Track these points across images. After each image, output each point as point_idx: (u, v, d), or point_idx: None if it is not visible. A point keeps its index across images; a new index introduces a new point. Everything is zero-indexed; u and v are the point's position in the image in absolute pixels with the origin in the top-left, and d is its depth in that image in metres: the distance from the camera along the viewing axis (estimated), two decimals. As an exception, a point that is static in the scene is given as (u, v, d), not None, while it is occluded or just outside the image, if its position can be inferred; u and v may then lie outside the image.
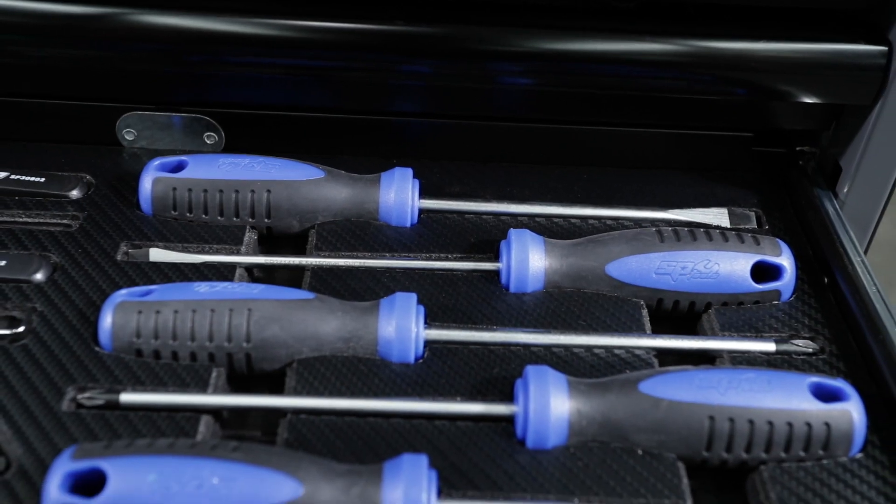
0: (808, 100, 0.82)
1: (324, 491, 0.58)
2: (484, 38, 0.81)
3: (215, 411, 0.66)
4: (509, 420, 0.65)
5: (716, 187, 0.88)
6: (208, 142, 0.87)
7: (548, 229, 0.81)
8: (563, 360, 0.70)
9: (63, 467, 0.57)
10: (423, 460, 0.60)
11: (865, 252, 0.89)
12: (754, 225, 0.84)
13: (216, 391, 0.67)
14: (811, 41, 0.80)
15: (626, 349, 0.71)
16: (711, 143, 0.90)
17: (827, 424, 0.63)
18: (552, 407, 0.64)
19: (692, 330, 0.76)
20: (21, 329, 0.69)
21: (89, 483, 0.57)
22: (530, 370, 0.66)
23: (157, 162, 0.80)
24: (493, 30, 0.81)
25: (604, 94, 0.85)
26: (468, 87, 0.85)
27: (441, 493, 0.60)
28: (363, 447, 0.63)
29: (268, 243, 0.82)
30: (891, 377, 0.68)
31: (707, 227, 0.81)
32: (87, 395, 0.65)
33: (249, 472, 0.57)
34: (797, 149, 0.91)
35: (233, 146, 0.87)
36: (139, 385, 0.66)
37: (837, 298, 0.77)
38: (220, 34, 0.80)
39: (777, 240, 0.77)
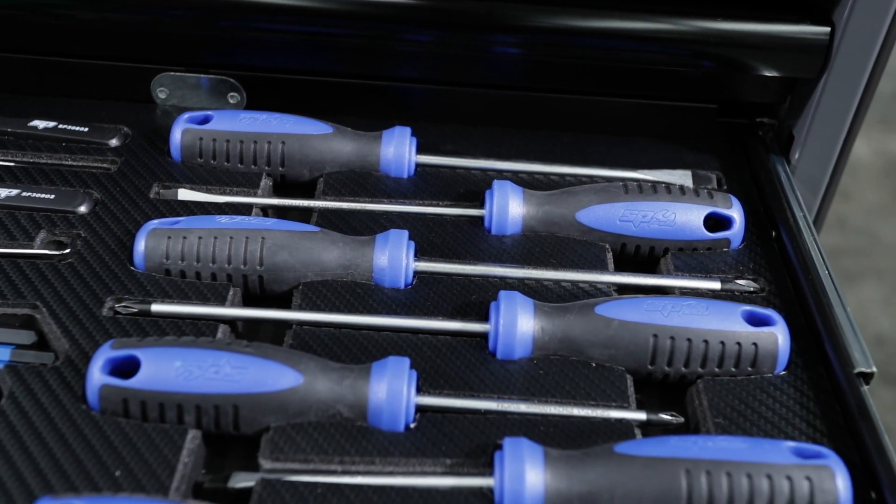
0: (761, 73, 0.92)
1: (320, 381, 0.68)
2: (476, 12, 0.91)
3: (231, 322, 0.76)
4: (483, 336, 0.76)
5: (682, 152, 0.98)
6: (231, 101, 0.98)
7: (529, 184, 0.91)
8: (534, 290, 0.80)
9: (104, 354, 0.68)
10: (405, 361, 0.70)
11: (816, 217, 0.99)
12: (714, 185, 0.94)
13: (233, 307, 0.78)
14: (764, 21, 0.91)
15: (590, 283, 0.81)
16: (680, 113, 1.00)
17: (755, 345, 0.73)
18: (519, 324, 0.74)
19: (651, 273, 0.86)
20: (67, 251, 0.80)
21: (126, 369, 0.68)
22: (503, 294, 0.76)
23: (186, 115, 0.91)
24: (484, 5, 0.91)
25: (584, 65, 0.95)
26: (463, 57, 0.95)
27: (420, 391, 0.71)
28: (356, 353, 0.74)
29: (281, 190, 0.92)
30: (815, 309, 0.78)
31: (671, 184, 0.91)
32: (123, 304, 0.76)
33: (258, 363, 0.68)
34: (757, 120, 1.01)
35: (253, 105, 0.97)
36: (167, 298, 0.77)
37: (780, 247, 0.87)
38: (245, 3, 0.91)
39: (729, 195, 0.87)
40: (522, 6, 0.91)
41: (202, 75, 0.97)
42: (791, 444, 0.65)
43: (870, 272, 2.20)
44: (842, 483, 0.63)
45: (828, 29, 0.89)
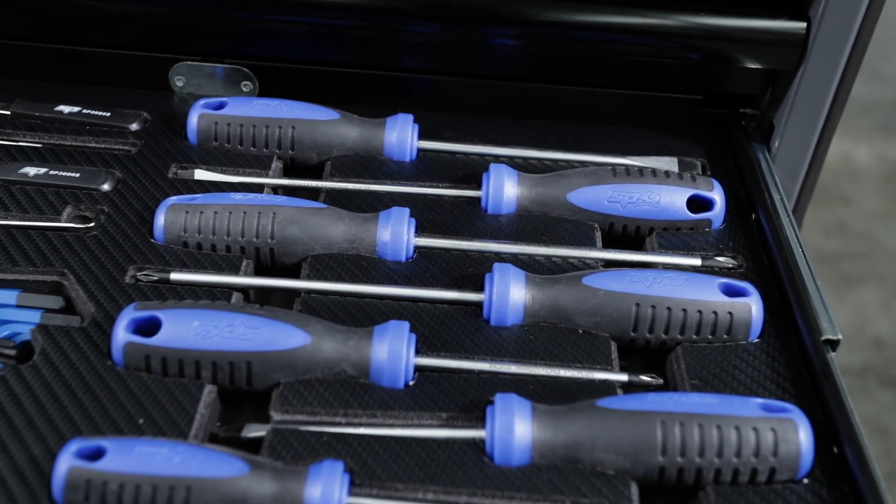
0: (742, 65, 0.98)
1: (326, 341, 0.74)
2: (476, 6, 0.98)
3: (244, 290, 0.82)
4: (478, 305, 0.82)
5: (670, 141, 1.04)
6: (244, 89, 1.04)
7: (524, 168, 0.97)
8: (526, 265, 0.85)
9: (128, 315, 0.74)
10: (405, 325, 0.76)
11: (797, 203, 1.05)
12: (699, 171, 1.00)
13: (246, 276, 0.83)
14: (745, 16, 0.97)
15: (579, 259, 0.87)
16: (668, 104, 1.05)
17: (730, 314, 0.79)
18: (511, 293, 0.80)
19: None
20: (91, 225, 0.86)
21: (148, 328, 0.74)
22: (496, 266, 0.82)
23: (202, 101, 0.97)
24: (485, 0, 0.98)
25: (578, 57, 1.01)
26: (463, 49, 1.01)
27: (419, 353, 0.77)
28: (360, 319, 0.79)
29: (290, 172, 0.97)
30: (788, 283, 0.84)
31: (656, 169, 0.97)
32: (144, 272, 0.82)
33: (270, 324, 0.74)
34: (740, 110, 1.06)
35: (265, 93, 1.03)
36: (185, 268, 0.83)
37: (759, 228, 0.92)
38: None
39: (711, 179, 0.92)
40: (520, 0, 0.97)
41: (217, 65, 1.03)
42: (759, 400, 0.70)
43: (870, 276, 2.23)
44: (804, 434, 0.68)
45: (804, 24, 0.95)
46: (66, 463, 0.63)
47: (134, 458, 0.63)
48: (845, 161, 2.58)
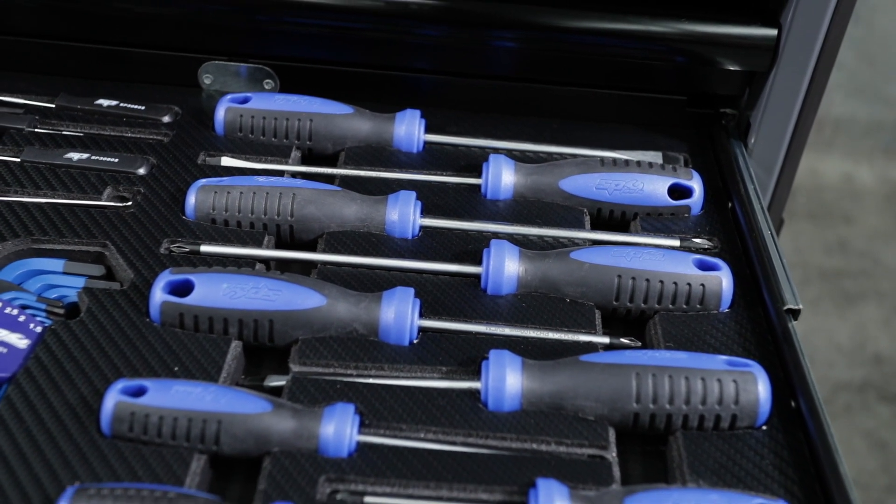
0: (720, 66, 1.07)
1: (340, 304, 0.83)
2: (479, 12, 1.07)
3: (266, 261, 0.91)
4: (476, 276, 0.90)
5: (655, 138, 1.12)
6: (266, 87, 1.13)
7: (521, 160, 1.05)
8: (520, 243, 0.94)
9: (165, 278, 0.83)
10: (411, 291, 0.85)
11: (774, 195, 1.13)
12: (682, 165, 1.09)
13: (267, 249, 0.93)
14: (723, 23, 1.06)
15: (569, 239, 0.96)
16: (655, 104, 1.14)
17: (703, 286, 0.88)
18: (506, 266, 0.89)
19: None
20: (129, 203, 0.96)
21: (182, 289, 0.83)
22: (493, 243, 0.91)
23: (229, 96, 1.06)
24: (486, 6, 1.07)
25: (572, 59, 1.10)
26: (467, 51, 1.10)
27: (422, 316, 0.85)
28: (370, 286, 0.88)
29: (308, 161, 1.07)
30: (756, 260, 0.93)
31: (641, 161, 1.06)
32: (177, 245, 0.91)
33: (290, 287, 0.83)
34: (721, 110, 1.15)
35: (286, 90, 1.12)
36: (214, 242, 0.92)
37: (733, 215, 1.01)
38: (281, 1, 1.07)
39: (691, 169, 1.01)
40: (519, 7, 1.07)
41: (242, 64, 1.12)
42: (724, 357, 0.79)
43: (871, 294, 2.30)
44: (762, 386, 0.77)
45: (775, 30, 1.05)
46: (112, 398, 0.73)
47: (172, 395, 0.73)
48: (848, 181, 2.64)
